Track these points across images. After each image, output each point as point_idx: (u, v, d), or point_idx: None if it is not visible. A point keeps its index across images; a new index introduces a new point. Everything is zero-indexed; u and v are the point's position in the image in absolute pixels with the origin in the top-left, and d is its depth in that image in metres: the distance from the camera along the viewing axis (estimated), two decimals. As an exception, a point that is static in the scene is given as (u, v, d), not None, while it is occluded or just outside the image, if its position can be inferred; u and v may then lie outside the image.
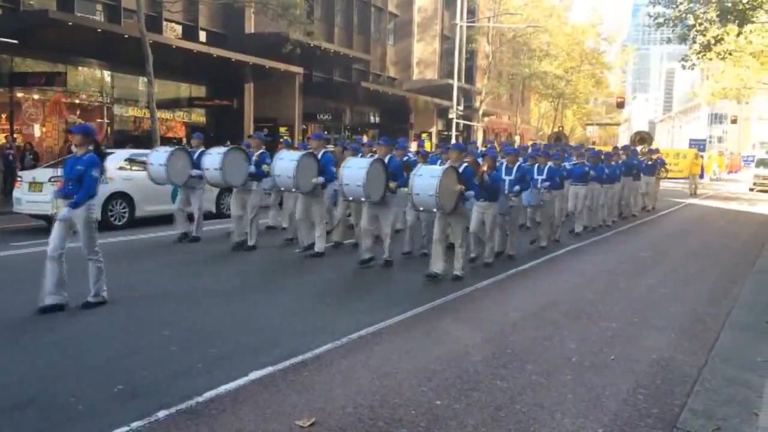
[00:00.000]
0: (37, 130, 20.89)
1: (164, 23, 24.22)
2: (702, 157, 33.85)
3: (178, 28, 25.56)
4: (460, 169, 8.71)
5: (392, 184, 9.41)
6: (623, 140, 71.14)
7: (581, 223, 14.23)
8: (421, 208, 8.64)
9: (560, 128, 48.30)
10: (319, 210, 10.24)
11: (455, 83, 36.24)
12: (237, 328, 6.33)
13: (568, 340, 6.27)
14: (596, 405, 4.72)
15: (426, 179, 8.28)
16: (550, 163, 12.15)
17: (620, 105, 52.66)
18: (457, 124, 37.37)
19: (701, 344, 6.36)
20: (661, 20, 22.88)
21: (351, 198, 9.43)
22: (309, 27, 22.93)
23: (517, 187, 10.30)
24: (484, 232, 9.86)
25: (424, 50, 42.31)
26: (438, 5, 42.40)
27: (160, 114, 22.34)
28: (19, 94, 20.31)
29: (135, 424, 4.08)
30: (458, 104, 37.06)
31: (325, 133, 28.03)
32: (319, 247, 10.27)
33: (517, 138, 47.90)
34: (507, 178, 10.34)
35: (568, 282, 9.38)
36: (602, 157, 15.39)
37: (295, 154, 9.89)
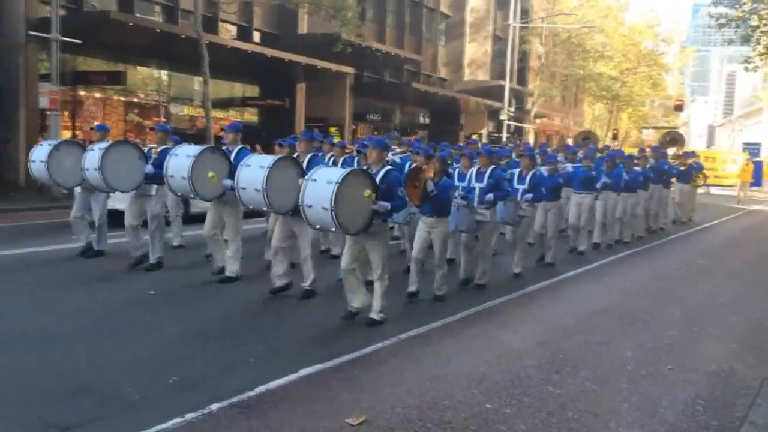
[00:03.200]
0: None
1: (220, 24, 24.68)
2: (754, 162, 31.47)
3: (233, 29, 26.01)
4: (380, 174, 6.43)
5: None
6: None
7: (585, 238, 11.70)
8: (318, 227, 6.39)
9: (614, 131, 47.25)
10: (233, 223, 8.05)
11: (507, 84, 35.86)
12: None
13: (622, 348, 6.12)
14: (652, 415, 4.59)
15: (320, 186, 6.05)
16: (538, 169, 9.71)
17: (678, 108, 51.16)
18: (508, 125, 36.99)
19: (763, 356, 6.13)
20: (723, 21, 22.18)
21: (251, 207, 7.26)
22: (360, 30, 23.04)
23: (489, 196, 8.17)
24: (440, 256, 7.60)
25: (475, 51, 42.00)
26: (491, 6, 42.03)
27: (214, 113, 22.72)
28: (82, 93, 20.99)
29: (189, 416, 4.16)
30: (509, 106, 36.66)
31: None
32: (231, 269, 8.04)
33: (569, 140, 47.09)
34: (477, 186, 8.29)
35: (621, 288, 9.16)
36: (620, 159, 12.63)
37: (194, 149, 7.71)
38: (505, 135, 35.48)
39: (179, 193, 7.97)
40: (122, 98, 22.25)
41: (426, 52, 36.54)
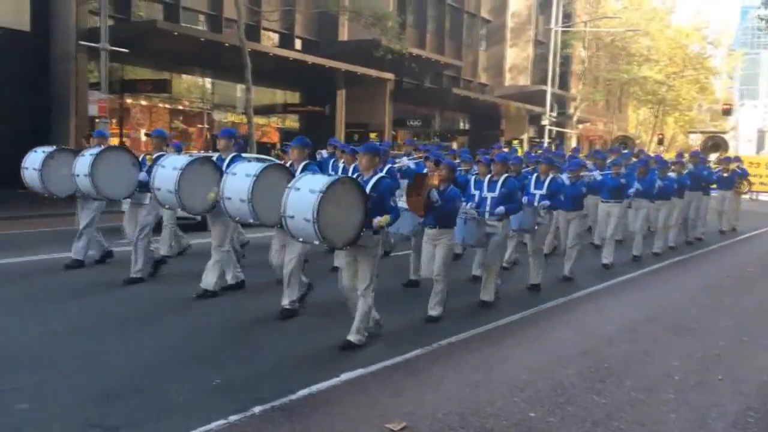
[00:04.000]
0: (143, 135, 22.08)
1: (262, 32, 25.06)
2: None
3: (275, 37, 26.38)
4: (370, 183, 5.89)
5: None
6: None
7: (612, 250, 10.69)
8: (301, 239, 5.85)
9: (660, 136, 46.27)
10: (221, 231, 7.44)
11: (548, 89, 35.48)
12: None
13: (669, 357, 5.97)
14: (701, 426, 4.46)
15: (303, 195, 5.54)
16: (561, 176, 9.13)
17: (727, 112, 49.87)
18: (550, 131, 36.58)
19: (819, 368, 5.91)
20: (774, 22, 21.56)
21: (237, 218, 6.76)
22: (400, 40, 23.15)
23: (501, 209, 7.49)
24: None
25: (516, 56, 41.69)
26: (532, 10, 41.67)
27: (256, 119, 23.07)
28: (129, 101, 21.54)
29: (232, 418, 4.21)
30: (551, 111, 36.26)
31: (415, 138, 27.96)
32: (209, 282, 7.46)
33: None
34: (489, 195, 7.67)
35: (667, 296, 8.96)
36: (653, 164, 11.93)
37: (181, 160, 7.07)
38: (546, 140, 35.07)
39: (167, 206, 7.40)
40: (167, 106, 22.77)
41: (466, 57, 36.43)
